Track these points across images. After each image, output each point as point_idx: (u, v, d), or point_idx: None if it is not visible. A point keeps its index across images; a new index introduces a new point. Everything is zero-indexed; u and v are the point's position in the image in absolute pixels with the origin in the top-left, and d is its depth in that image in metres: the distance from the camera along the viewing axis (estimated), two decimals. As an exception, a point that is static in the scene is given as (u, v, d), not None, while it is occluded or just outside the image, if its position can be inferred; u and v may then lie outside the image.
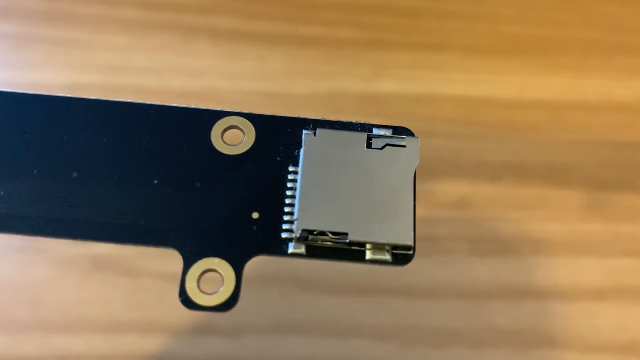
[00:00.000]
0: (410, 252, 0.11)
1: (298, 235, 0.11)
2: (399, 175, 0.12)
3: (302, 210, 0.11)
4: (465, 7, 0.33)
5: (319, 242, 0.11)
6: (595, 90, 0.30)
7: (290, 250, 0.12)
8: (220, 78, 0.30)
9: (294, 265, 0.25)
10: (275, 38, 0.31)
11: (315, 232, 0.11)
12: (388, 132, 0.12)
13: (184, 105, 0.13)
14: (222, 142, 0.13)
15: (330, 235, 0.11)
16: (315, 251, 0.11)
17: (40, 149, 0.12)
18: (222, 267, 0.12)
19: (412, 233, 0.11)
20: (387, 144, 0.12)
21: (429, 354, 0.23)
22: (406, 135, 0.12)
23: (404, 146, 0.12)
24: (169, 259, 0.25)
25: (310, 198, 0.11)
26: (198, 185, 0.12)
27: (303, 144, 0.12)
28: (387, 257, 0.11)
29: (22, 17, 0.31)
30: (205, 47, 0.31)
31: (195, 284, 0.11)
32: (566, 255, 0.26)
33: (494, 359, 0.23)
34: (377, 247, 0.11)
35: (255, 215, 0.12)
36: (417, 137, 0.12)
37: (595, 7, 0.33)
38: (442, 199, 0.27)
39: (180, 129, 0.13)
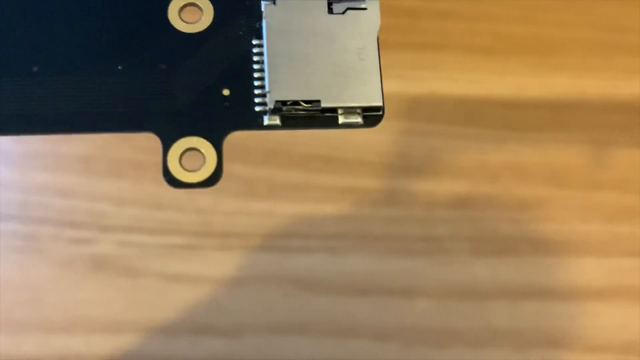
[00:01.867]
0: (380, 113, 0.12)
1: (272, 107, 0.11)
2: (362, 38, 0.12)
3: (273, 82, 0.11)
4: (465, 7, 0.33)
5: (292, 112, 0.12)
6: (595, 90, 0.30)
7: (266, 122, 0.12)
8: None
9: (294, 265, 0.25)
10: (275, 38, 0.31)
11: (288, 103, 0.11)
12: None
13: None
14: (181, 22, 0.12)
15: (303, 104, 0.11)
16: (289, 122, 0.12)
17: None
18: (202, 145, 0.12)
19: (381, 94, 0.12)
20: (348, 8, 0.12)
21: (429, 354, 0.23)
22: None
23: (364, 9, 0.13)
24: (169, 259, 0.25)
25: (279, 69, 0.11)
26: (163, 67, 0.12)
27: (264, 15, 0.12)
28: (359, 119, 0.12)
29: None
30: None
31: (177, 162, 0.11)
32: (566, 255, 0.26)
33: (494, 359, 0.23)
34: (349, 111, 0.12)
35: (226, 92, 0.12)
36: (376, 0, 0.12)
37: (595, 7, 0.33)
38: (442, 199, 0.27)
39: (136, 12, 0.12)
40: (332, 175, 0.27)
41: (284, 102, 0.11)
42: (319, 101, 0.11)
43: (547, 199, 0.27)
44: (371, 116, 0.12)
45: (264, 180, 0.27)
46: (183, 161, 0.12)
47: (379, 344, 0.24)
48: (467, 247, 0.26)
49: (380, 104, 0.12)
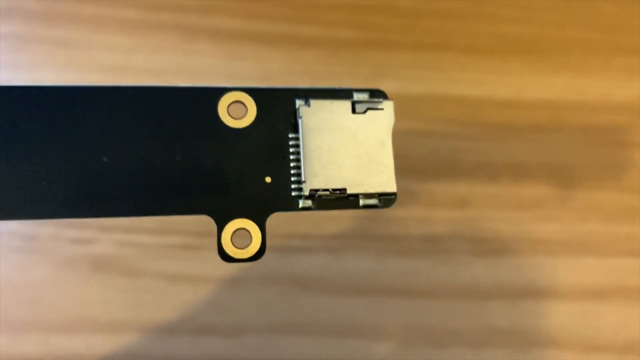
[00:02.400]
0: (394, 197, 0.14)
1: (307, 194, 0.14)
2: (379, 133, 0.14)
3: (308, 173, 0.14)
4: (465, 7, 0.33)
5: (323, 197, 0.14)
6: (595, 90, 0.30)
7: (301, 205, 0.14)
8: (220, 78, 0.30)
9: (294, 265, 0.25)
10: (275, 38, 0.31)
11: (320, 190, 0.14)
12: (366, 96, 0.15)
13: (189, 85, 0.14)
14: (229, 117, 0.14)
15: (332, 191, 0.14)
16: (321, 204, 0.14)
17: (72, 137, 0.13)
18: (249, 225, 0.14)
19: (394, 182, 0.14)
20: (368, 108, 0.14)
21: (429, 354, 0.23)
22: (382, 98, 0.15)
23: (382, 109, 0.15)
24: (169, 259, 0.25)
25: (313, 162, 0.14)
26: (214, 157, 0.14)
27: (299, 114, 0.14)
28: (377, 202, 0.14)
29: (23, 18, 0.31)
30: (205, 47, 0.31)
31: (229, 241, 0.13)
32: (566, 255, 0.26)
33: (493, 358, 0.23)
34: (368, 196, 0.14)
35: (268, 179, 0.14)
36: (392, 100, 0.15)
37: (595, 8, 0.33)
38: (442, 199, 0.27)
39: (190, 108, 0.14)
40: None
41: (316, 190, 0.14)
42: (345, 189, 0.14)
43: (547, 199, 0.27)
44: (386, 199, 0.14)
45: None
46: (234, 239, 0.14)
47: (379, 344, 0.24)
48: (467, 247, 0.26)
49: (394, 190, 0.14)
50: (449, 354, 0.23)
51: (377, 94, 0.15)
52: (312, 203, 0.14)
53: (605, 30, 0.32)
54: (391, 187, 0.14)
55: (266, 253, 0.25)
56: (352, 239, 0.26)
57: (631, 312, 0.24)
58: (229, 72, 0.30)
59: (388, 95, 0.15)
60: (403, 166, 0.28)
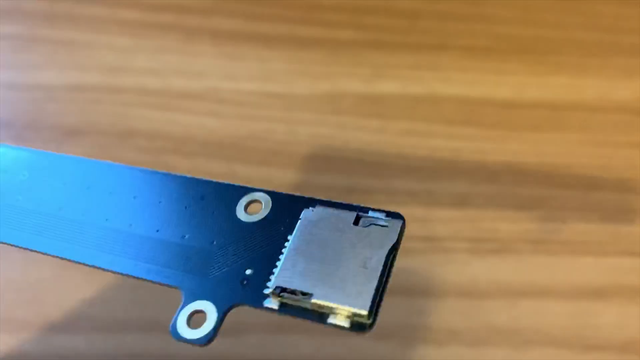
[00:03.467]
0: (367, 321, 0.12)
1: (272, 290, 0.13)
2: (374, 249, 0.13)
3: (282, 270, 0.13)
4: (465, 8, 0.33)
5: (290, 300, 0.13)
6: (594, 90, 0.30)
7: (266, 304, 0.13)
8: (220, 79, 0.30)
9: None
10: (275, 39, 0.31)
11: (287, 290, 0.13)
12: (381, 216, 0.14)
13: (223, 182, 0.16)
14: (243, 213, 0.15)
15: (300, 294, 0.13)
16: (286, 308, 0.13)
17: (118, 205, 0.16)
18: (209, 309, 0.14)
19: (370, 304, 0.12)
20: (372, 224, 0.14)
21: (428, 354, 0.23)
22: (398, 218, 0.14)
23: (386, 226, 0.14)
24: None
25: (293, 262, 0.13)
26: (214, 242, 0.15)
27: (300, 216, 0.14)
28: (345, 324, 0.12)
29: (23, 18, 0.31)
30: (206, 48, 0.31)
31: (185, 318, 0.14)
32: (565, 255, 0.26)
33: (493, 358, 0.23)
34: (339, 312, 0.12)
35: (248, 271, 0.14)
36: (402, 220, 0.14)
37: (594, 8, 0.33)
38: (442, 199, 0.27)
39: (212, 200, 0.15)
40: (332, 175, 0.27)
41: (283, 289, 0.13)
42: (311, 294, 0.13)
43: (547, 199, 0.27)
44: (358, 323, 0.13)
45: (264, 180, 0.27)
46: (191, 320, 0.14)
47: (379, 344, 0.24)
48: (466, 247, 0.26)
49: (366, 312, 0.12)
50: (448, 353, 0.23)
51: (394, 216, 0.14)
52: (278, 305, 0.13)
53: (604, 31, 0.32)
54: (363, 307, 0.12)
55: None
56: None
57: (630, 312, 0.24)
58: (229, 72, 0.30)
59: (402, 216, 0.14)
60: (403, 166, 0.28)
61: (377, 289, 0.13)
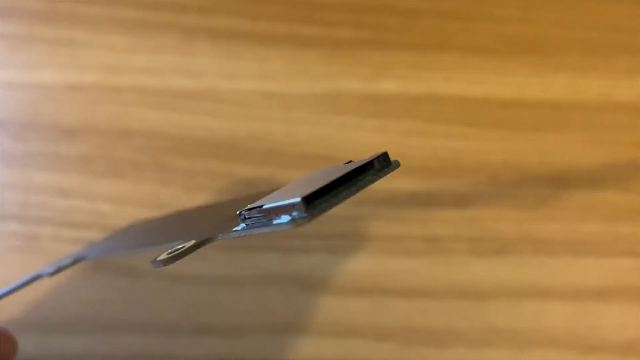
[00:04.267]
0: (303, 211, 0.12)
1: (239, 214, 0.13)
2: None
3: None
4: (465, 7, 0.33)
5: (249, 219, 0.13)
6: (595, 90, 0.30)
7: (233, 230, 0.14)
8: (219, 78, 0.30)
9: (294, 265, 0.25)
10: (275, 38, 0.31)
11: (249, 209, 0.13)
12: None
13: None
14: None
15: (255, 210, 0.13)
16: (247, 227, 0.13)
17: None
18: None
19: (307, 194, 0.12)
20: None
21: (429, 354, 0.23)
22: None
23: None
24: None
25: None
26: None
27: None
28: (286, 219, 0.12)
29: (23, 17, 0.31)
30: (205, 47, 0.31)
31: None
32: (566, 255, 0.26)
33: (493, 359, 0.23)
34: (282, 211, 0.12)
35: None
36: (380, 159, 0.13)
37: (595, 8, 0.33)
38: (442, 199, 0.27)
39: None
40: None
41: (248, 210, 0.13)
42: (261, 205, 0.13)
43: (547, 199, 0.27)
44: (296, 217, 0.12)
45: (264, 180, 0.27)
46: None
47: (379, 344, 0.24)
48: (467, 247, 0.26)
49: (298, 199, 0.12)
50: (448, 354, 0.23)
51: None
52: (242, 227, 0.13)
53: (605, 30, 0.32)
54: (300, 196, 0.12)
55: (266, 253, 0.25)
56: (352, 239, 0.26)
57: (631, 312, 0.24)
58: (228, 71, 0.30)
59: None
60: (403, 166, 0.28)
61: (321, 188, 0.12)
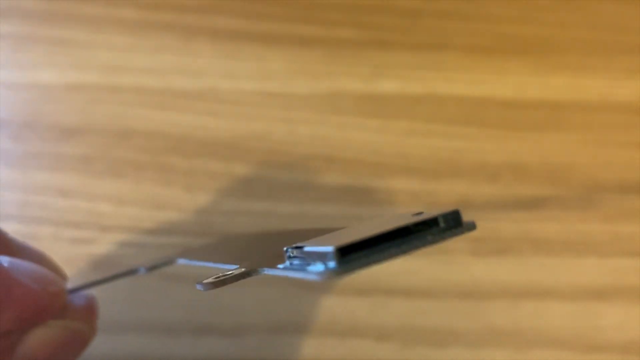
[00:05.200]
0: (336, 262, 0.11)
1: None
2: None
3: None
4: (466, 7, 0.33)
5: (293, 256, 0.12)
6: (595, 90, 0.30)
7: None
8: (220, 78, 0.30)
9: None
10: (275, 38, 0.31)
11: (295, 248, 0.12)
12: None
13: None
14: None
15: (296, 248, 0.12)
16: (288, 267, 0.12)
17: None
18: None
19: (342, 245, 0.11)
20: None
21: (429, 354, 0.23)
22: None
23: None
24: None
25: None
26: None
27: None
28: (320, 268, 0.11)
29: (22, 17, 0.31)
30: (205, 47, 0.31)
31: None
32: (566, 255, 0.26)
33: (494, 359, 0.23)
34: (318, 259, 0.11)
35: None
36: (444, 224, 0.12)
37: (595, 8, 0.33)
38: (442, 199, 0.27)
39: None
40: (332, 175, 0.27)
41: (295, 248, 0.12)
42: None
43: (547, 199, 0.27)
44: (330, 268, 0.11)
45: (264, 180, 0.27)
46: None
47: (379, 344, 0.23)
48: (467, 247, 0.26)
49: (332, 249, 0.11)
50: (449, 354, 0.23)
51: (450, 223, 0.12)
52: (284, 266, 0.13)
53: (606, 30, 0.32)
54: (334, 246, 0.11)
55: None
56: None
57: (631, 312, 0.24)
58: (229, 71, 0.30)
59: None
60: (403, 166, 0.28)
61: (360, 241, 0.11)
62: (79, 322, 0.17)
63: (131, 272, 0.19)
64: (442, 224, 0.12)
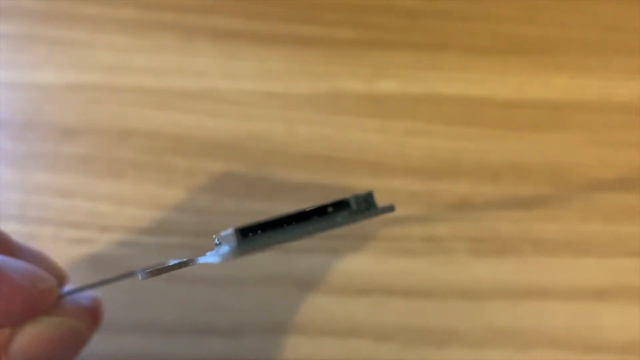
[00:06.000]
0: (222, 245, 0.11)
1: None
2: None
3: None
4: (466, 7, 0.33)
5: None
6: (595, 90, 0.30)
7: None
8: (220, 78, 0.30)
9: (294, 265, 0.25)
10: (275, 38, 0.31)
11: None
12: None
13: None
14: None
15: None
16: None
17: None
18: None
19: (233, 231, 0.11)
20: None
21: (429, 354, 0.23)
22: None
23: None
24: (169, 259, 0.25)
25: None
26: None
27: None
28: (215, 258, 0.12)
29: (23, 17, 0.31)
30: (205, 47, 0.31)
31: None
32: (566, 255, 0.26)
33: (493, 359, 0.23)
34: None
35: None
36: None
37: (595, 8, 0.33)
38: (442, 199, 0.27)
39: None
40: (332, 175, 0.27)
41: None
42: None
43: (547, 199, 0.27)
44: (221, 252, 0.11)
45: (264, 180, 0.27)
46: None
47: (379, 344, 0.23)
48: (467, 247, 0.26)
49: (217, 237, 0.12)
50: (449, 354, 0.23)
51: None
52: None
53: (606, 30, 0.32)
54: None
55: (266, 253, 0.25)
56: (352, 239, 0.26)
57: (631, 312, 0.24)
58: (229, 71, 0.30)
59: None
60: (403, 166, 0.28)
61: (262, 223, 0.11)
62: (75, 319, 0.17)
63: (130, 274, 0.19)
64: (354, 206, 0.11)
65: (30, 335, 0.16)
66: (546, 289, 0.25)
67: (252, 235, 0.11)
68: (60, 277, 0.19)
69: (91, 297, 0.19)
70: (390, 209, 0.11)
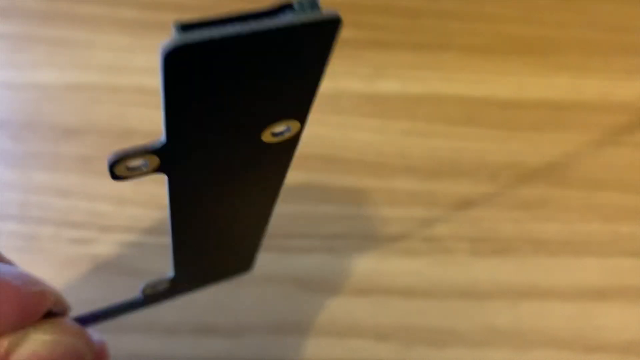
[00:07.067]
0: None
1: None
2: None
3: None
4: (466, 7, 0.33)
5: None
6: (595, 90, 0.30)
7: None
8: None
9: (294, 266, 0.25)
10: (275, 38, 0.31)
11: None
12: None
13: None
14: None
15: None
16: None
17: None
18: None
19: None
20: None
21: (429, 354, 0.23)
22: None
23: None
24: (169, 259, 0.25)
25: None
26: None
27: None
28: None
29: (23, 17, 0.31)
30: (205, 47, 0.31)
31: None
32: (566, 255, 0.26)
33: (493, 359, 0.23)
34: None
35: None
36: None
37: (595, 8, 0.33)
38: (442, 199, 0.27)
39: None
40: (332, 175, 0.27)
41: None
42: None
43: (547, 199, 0.27)
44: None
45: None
46: None
47: (379, 344, 0.23)
48: (467, 247, 0.26)
49: None
50: (449, 354, 0.23)
51: None
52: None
53: (606, 30, 0.32)
54: None
55: (266, 253, 0.25)
56: (352, 239, 0.26)
57: (631, 312, 0.24)
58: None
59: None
60: (403, 166, 0.28)
61: (207, 21, 0.11)
62: (78, 340, 0.17)
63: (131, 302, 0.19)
64: (297, 8, 0.11)
65: (30, 350, 0.16)
66: (546, 289, 0.25)
67: (193, 29, 0.10)
68: (58, 301, 0.19)
69: (98, 337, 0.19)
70: (336, 18, 0.10)
